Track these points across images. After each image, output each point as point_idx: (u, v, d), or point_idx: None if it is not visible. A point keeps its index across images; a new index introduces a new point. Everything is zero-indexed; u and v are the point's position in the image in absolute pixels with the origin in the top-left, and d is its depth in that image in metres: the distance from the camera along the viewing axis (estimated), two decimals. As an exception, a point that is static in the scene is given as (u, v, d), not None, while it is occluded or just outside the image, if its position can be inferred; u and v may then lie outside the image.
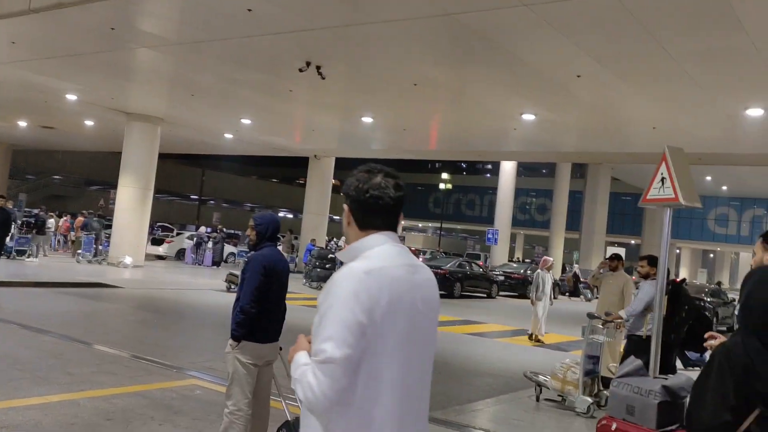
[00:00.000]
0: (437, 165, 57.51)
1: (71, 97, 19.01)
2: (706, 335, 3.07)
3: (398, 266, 1.82)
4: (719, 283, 30.74)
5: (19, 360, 7.18)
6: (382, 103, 16.47)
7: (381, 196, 1.90)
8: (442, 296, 21.00)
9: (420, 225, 69.93)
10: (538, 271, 13.71)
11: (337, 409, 1.70)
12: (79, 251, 21.85)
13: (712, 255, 66.90)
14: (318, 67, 12.79)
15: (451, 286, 22.15)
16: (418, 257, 27.21)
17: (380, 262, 1.80)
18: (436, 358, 1.96)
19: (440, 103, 15.87)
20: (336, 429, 1.73)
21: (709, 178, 31.25)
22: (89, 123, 24.20)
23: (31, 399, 5.73)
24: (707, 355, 2.79)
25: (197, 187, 56.39)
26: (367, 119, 18.40)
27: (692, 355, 7.03)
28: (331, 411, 1.71)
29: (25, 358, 7.31)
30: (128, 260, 20.29)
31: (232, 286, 17.15)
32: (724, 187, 37.16)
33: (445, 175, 45.24)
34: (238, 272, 18.20)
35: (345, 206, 1.95)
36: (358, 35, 11.00)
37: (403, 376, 1.77)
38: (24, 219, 21.74)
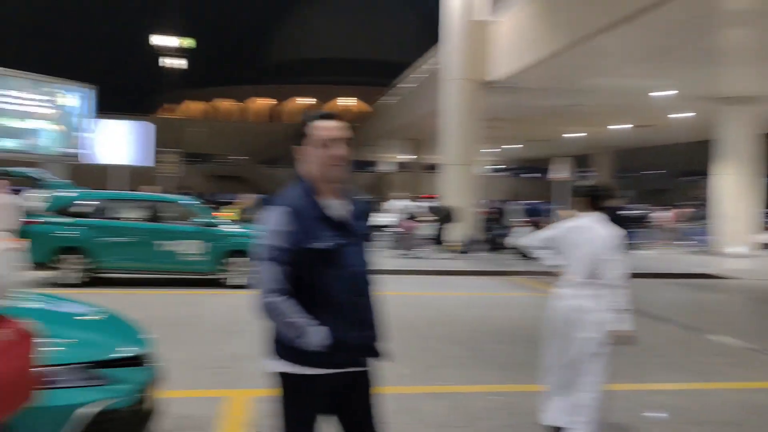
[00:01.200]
0: None
1: (665, 93, 19.52)
2: None
3: None
4: None
5: (648, 345, 7.68)
6: None
7: None
8: None
9: None
10: None
11: None
12: (681, 242, 22.00)
13: None
14: None
15: None
16: None
17: None
18: None
19: None
20: None
21: None
22: (681, 115, 24.37)
23: (662, 384, 6.09)
24: None
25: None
26: None
27: None
28: None
29: (653, 344, 7.77)
30: (735, 250, 19.48)
31: None
32: None
33: None
34: None
35: None
36: None
37: None
38: (628, 214, 22.90)
